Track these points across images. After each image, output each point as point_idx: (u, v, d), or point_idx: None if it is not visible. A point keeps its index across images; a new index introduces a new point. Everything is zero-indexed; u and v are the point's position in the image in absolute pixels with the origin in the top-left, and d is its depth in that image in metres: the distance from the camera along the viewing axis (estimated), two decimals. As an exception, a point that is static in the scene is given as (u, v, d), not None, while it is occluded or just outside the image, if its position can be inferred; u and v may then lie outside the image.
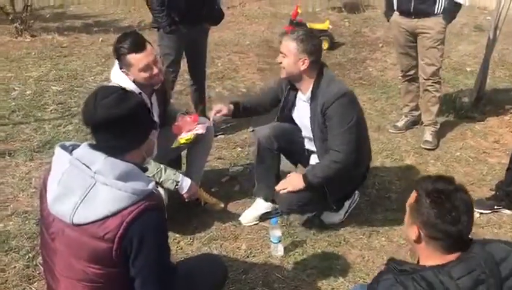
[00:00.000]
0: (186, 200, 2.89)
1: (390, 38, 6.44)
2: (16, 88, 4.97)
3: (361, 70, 5.71)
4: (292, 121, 3.09)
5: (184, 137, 2.91)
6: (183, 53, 3.99)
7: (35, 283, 2.56)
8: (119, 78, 2.71)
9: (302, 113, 2.98)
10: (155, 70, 2.71)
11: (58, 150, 1.71)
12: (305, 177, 2.79)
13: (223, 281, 2.17)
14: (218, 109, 3.05)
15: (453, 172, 3.66)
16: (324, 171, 2.78)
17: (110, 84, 2.68)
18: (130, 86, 2.59)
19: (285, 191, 2.82)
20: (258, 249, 2.88)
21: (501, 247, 1.59)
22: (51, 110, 4.54)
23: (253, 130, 3.29)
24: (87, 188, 1.58)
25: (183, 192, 2.82)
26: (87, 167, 1.59)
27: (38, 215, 3.00)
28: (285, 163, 3.27)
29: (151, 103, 2.83)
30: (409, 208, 1.64)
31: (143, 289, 1.65)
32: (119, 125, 1.65)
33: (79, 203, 1.58)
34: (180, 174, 2.84)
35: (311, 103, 2.85)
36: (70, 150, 1.70)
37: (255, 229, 3.05)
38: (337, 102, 2.72)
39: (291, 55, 2.77)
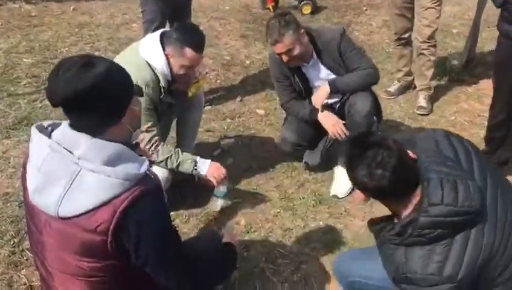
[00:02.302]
0: (216, 186, 2.63)
1: (374, 1, 6.33)
2: (-16, 61, 4.64)
3: (347, 35, 5.54)
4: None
5: (196, 82, 2.81)
6: (167, 19, 3.75)
7: (23, 270, 2.38)
8: (156, 58, 2.51)
9: (316, 76, 2.94)
10: (191, 75, 2.63)
11: (34, 132, 1.47)
12: (333, 84, 2.84)
13: (233, 268, 2.03)
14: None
15: (449, 137, 3.58)
16: (360, 78, 2.85)
17: (135, 56, 2.52)
18: (164, 68, 2.51)
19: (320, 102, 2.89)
20: (258, 224, 2.76)
21: (425, 140, 1.69)
22: (25, 84, 4.25)
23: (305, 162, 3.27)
24: (72, 176, 1.38)
25: (203, 172, 2.59)
26: (70, 151, 1.40)
27: (21, 197, 2.84)
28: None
29: (172, 90, 2.68)
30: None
31: (157, 277, 1.51)
32: (87, 100, 1.38)
33: (63, 195, 1.38)
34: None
35: (321, 58, 2.88)
36: (49, 131, 1.48)
37: (253, 203, 2.92)
38: (344, 36, 2.87)
39: (296, 43, 2.71)
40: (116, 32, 5.40)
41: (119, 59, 2.70)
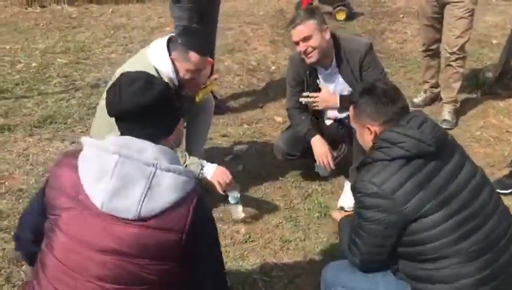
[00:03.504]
0: (223, 191, 2.62)
1: (412, 8, 6.16)
2: (21, 60, 4.85)
3: (379, 43, 5.41)
4: None
5: (205, 88, 2.81)
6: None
7: (24, 266, 2.45)
8: (163, 62, 2.55)
9: (331, 85, 2.90)
10: (199, 80, 2.62)
11: (92, 141, 1.51)
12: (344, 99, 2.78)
13: None
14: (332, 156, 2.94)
15: (472, 153, 3.41)
16: None
17: (143, 60, 2.57)
18: (170, 73, 2.53)
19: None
20: (258, 234, 2.73)
21: None
22: (55, 84, 4.42)
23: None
24: (149, 177, 1.43)
25: (209, 176, 2.58)
26: (141, 154, 1.46)
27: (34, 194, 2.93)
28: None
29: (180, 95, 2.67)
30: (353, 120, 1.94)
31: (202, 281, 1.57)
32: (146, 115, 1.52)
33: (144, 194, 1.42)
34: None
35: (340, 67, 2.82)
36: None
37: (256, 211, 2.90)
38: (370, 52, 2.81)
39: (316, 32, 2.68)
40: (150, 35, 5.51)
41: (128, 63, 2.75)
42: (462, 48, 3.72)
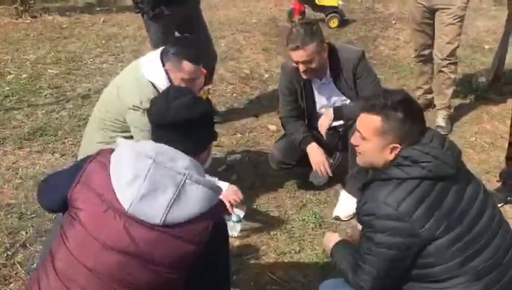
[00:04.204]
0: (233, 209, 2.58)
1: (405, 14, 6.15)
2: (11, 71, 4.80)
3: (372, 49, 5.40)
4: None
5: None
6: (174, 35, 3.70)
7: (12, 284, 2.41)
8: (157, 76, 2.53)
9: (325, 95, 2.89)
10: (194, 87, 2.57)
11: (129, 143, 1.57)
12: (339, 111, 2.76)
13: None
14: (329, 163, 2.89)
15: (467, 159, 3.39)
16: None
17: (137, 73, 2.58)
18: (163, 82, 2.51)
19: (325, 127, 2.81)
20: (252, 247, 2.69)
21: None
22: (46, 95, 4.36)
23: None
24: (178, 185, 1.47)
25: (221, 195, 2.54)
26: (175, 163, 1.50)
27: (22, 209, 2.87)
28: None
29: None
30: (376, 134, 1.69)
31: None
32: (189, 127, 1.59)
33: (172, 202, 1.45)
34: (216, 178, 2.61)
35: (334, 76, 2.81)
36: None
37: (250, 223, 2.85)
38: (362, 59, 2.79)
39: (316, 55, 2.65)
40: (142, 45, 5.46)
41: (121, 77, 2.72)
42: (453, 54, 3.71)
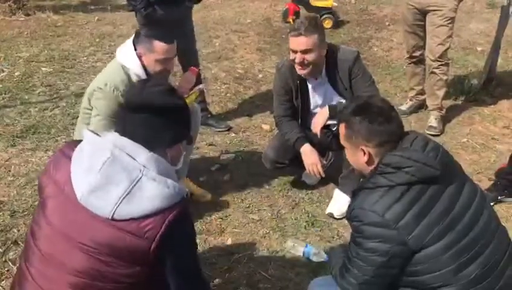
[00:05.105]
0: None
1: (398, 16, 6.18)
2: (4, 69, 4.78)
3: (365, 50, 5.43)
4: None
5: (188, 98, 2.73)
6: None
7: (4, 281, 2.40)
8: (129, 58, 2.53)
9: (320, 95, 2.90)
10: (169, 67, 2.57)
11: (92, 135, 1.56)
12: (333, 110, 2.75)
13: None
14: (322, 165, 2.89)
15: (459, 160, 3.35)
16: None
17: (114, 60, 2.59)
18: (137, 69, 2.51)
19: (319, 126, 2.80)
20: (244, 245, 2.70)
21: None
22: (39, 93, 4.35)
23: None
24: (133, 181, 1.45)
25: None
26: (132, 158, 1.48)
27: (14, 207, 2.87)
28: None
29: None
30: (345, 139, 1.79)
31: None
32: (159, 115, 1.56)
33: (123, 197, 1.44)
34: None
35: (329, 76, 2.81)
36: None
37: (242, 222, 2.87)
38: (358, 60, 2.79)
39: (316, 47, 2.64)
40: (136, 43, 5.43)
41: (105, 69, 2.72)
42: (444, 55, 3.73)
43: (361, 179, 1.89)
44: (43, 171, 1.61)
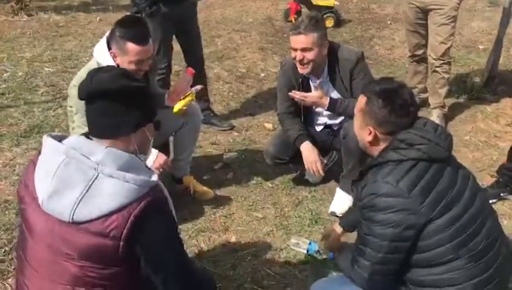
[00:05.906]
0: (157, 171, 2.54)
1: (400, 14, 6.18)
2: (7, 69, 4.79)
3: (367, 49, 5.44)
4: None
5: (184, 98, 2.74)
6: (173, 37, 3.66)
7: (10, 279, 2.41)
8: (103, 56, 2.49)
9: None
10: (144, 67, 2.52)
11: (48, 140, 1.53)
12: (333, 103, 2.76)
13: None
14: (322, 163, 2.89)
15: (461, 157, 3.40)
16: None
17: (93, 59, 2.55)
18: (109, 63, 2.44)
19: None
20: (248, 242, 2.71)
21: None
22: (42, 93, 4.37)
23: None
24: (89, 181, 1.42)
25: (150, 164, 2.53)
26: (87, 157, 1.45)
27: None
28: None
29: None
30: (360, 113, 1.80)
31: (165, 284, 1.52)
32: (114, 101, 1.51)
33: (80, 199, 1.41)
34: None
35: (331, 76, 2.81)
36: (58, 140, 1.53)
37: (246, 220, 2.88)
38: (361, 61, 2.79)
39: (315, 46, 2.66)
40: (138, 43, 5.45)
41: None
42: (446, 54, 3.74)
43: (369, 159, 1.93)
44: (20, 181, 1.60)
